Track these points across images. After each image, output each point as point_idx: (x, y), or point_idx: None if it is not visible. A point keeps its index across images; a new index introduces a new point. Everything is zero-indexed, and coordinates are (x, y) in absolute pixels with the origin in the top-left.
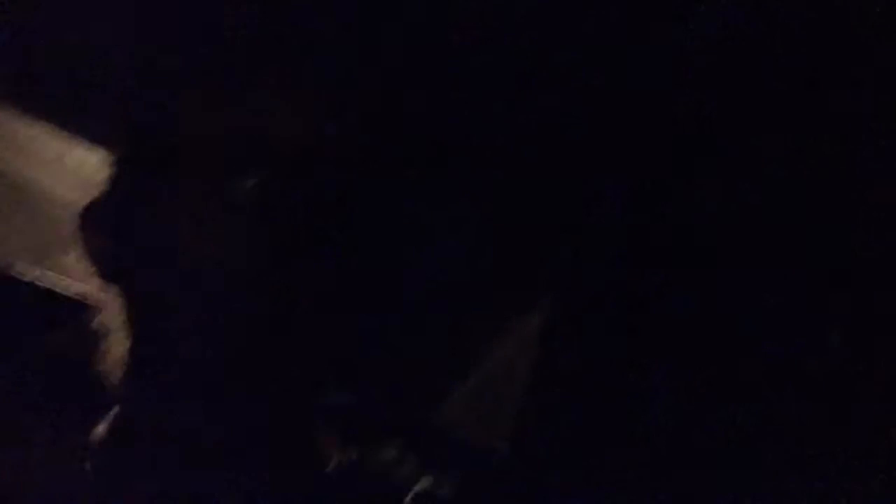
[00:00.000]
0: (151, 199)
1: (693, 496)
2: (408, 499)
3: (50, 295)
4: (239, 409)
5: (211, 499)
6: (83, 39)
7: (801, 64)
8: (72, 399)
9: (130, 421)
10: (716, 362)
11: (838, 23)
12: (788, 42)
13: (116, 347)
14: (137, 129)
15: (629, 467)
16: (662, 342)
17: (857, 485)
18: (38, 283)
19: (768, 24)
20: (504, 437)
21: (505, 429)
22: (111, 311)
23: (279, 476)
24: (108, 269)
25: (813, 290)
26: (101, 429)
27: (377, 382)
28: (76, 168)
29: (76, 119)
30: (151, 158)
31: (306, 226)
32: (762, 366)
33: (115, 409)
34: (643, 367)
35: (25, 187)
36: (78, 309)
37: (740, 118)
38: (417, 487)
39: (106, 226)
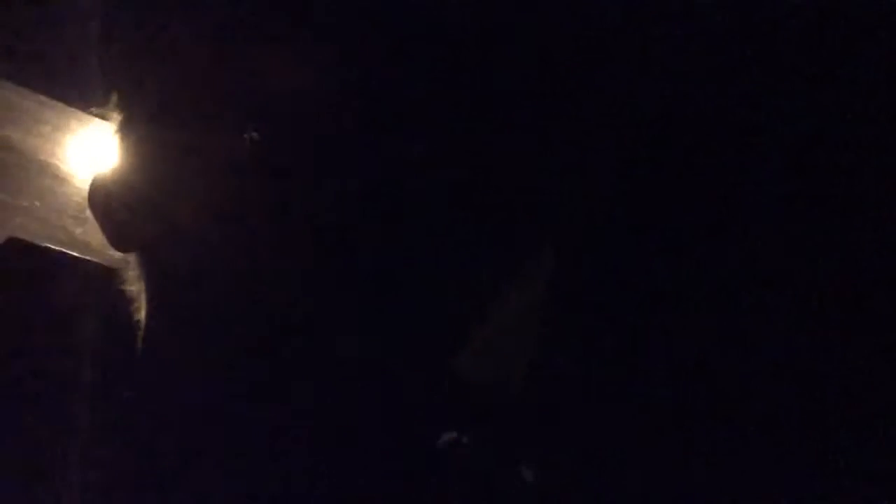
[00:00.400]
0: (158, 163)
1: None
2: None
3: (62, 265)
4: (257, 361)
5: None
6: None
7: (801, 63)
8: (90, 363)
9: (150, 389)
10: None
11: (838, 22)
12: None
13: (134, 314)
14: (145, 92)
15: (639, 412)
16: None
17: (856, 485)
18: (49, 254)
19: (769, 23)
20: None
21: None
22: (127, 279)
23: (306, 423)
24: (123, 239)
25: (812, 289)
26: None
27: (396, 332)
28: (82, 140)
29: (77, 88)
30: (156, 120)
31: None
32: (762, 365)
33: (136, 373)
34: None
35: (34, 161)
36: (93, 278)
37: (740, 118)
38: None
39: (118, 196)
